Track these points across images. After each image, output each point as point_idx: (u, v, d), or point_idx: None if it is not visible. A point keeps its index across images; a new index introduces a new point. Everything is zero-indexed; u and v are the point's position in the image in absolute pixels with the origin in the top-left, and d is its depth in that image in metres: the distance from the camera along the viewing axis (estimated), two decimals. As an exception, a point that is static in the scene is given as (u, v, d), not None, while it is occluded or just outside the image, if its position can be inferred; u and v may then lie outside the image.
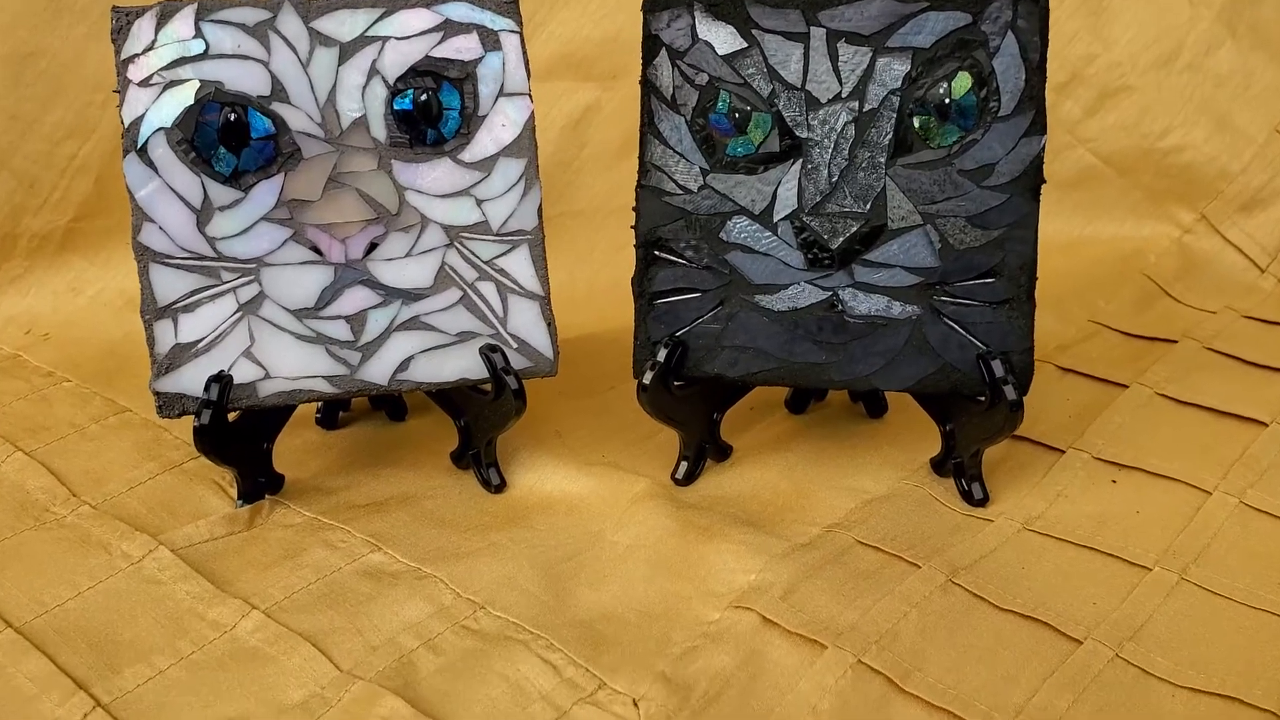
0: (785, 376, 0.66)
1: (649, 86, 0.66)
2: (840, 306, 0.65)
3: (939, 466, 0.69)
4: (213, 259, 0.64)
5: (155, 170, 0.63)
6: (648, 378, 0.65)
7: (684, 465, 0.69)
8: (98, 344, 0.87)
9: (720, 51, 0.64)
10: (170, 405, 0.64)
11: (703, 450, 0.70)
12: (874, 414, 0.76)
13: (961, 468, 0.67)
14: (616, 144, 0.96)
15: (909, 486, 0.67)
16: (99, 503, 0.67)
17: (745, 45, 0.64)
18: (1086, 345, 0.82)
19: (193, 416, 0.63)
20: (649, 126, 0.66)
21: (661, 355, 0.65)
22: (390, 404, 0.78)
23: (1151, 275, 0.91)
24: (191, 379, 0.64)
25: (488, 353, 0.66)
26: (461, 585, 0.60)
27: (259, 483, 0.68)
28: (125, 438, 0.74)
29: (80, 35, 0.90)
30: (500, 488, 0.69)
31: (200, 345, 0.64)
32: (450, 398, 0.70)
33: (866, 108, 0.63)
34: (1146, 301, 0.88)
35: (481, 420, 0.68)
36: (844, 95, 0.64)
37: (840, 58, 0.63)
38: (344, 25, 0.64)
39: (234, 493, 0.68)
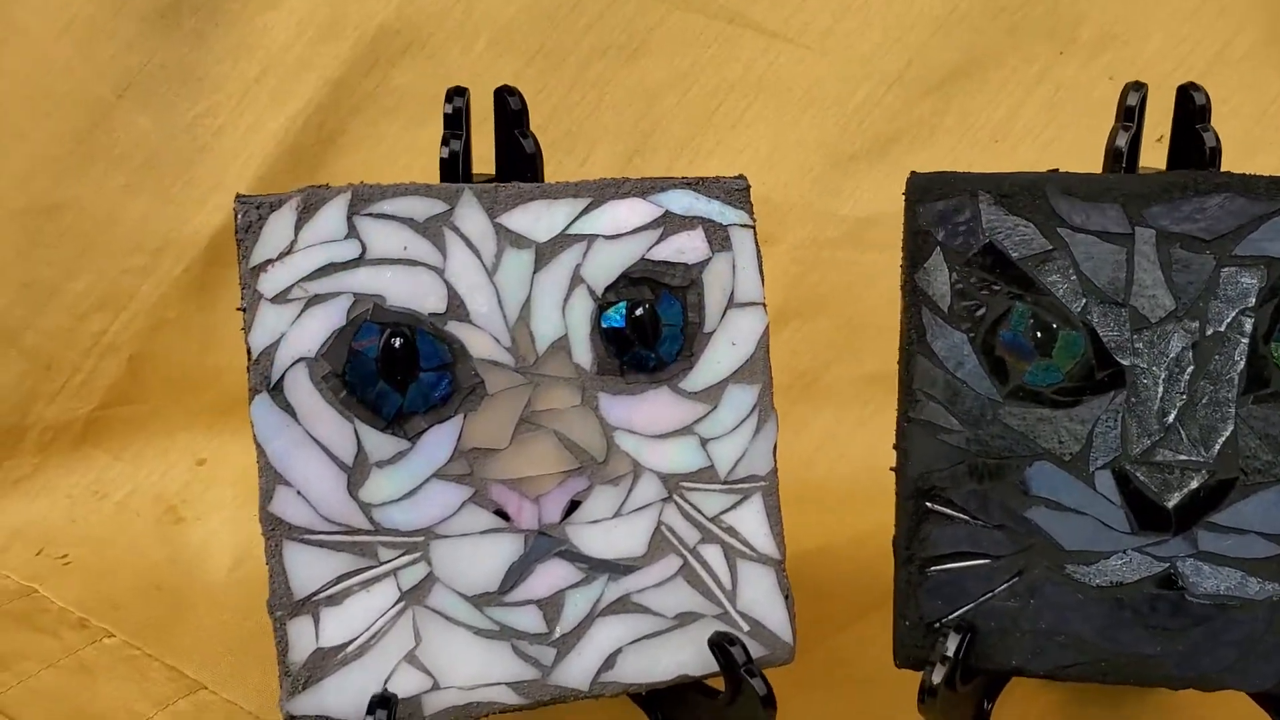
0: (1108, 672, 0.51)
1: (917, 294, 0.52)
2: (1180, 583, 0.50)
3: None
4: (368, 533, 0.47)
5: (294, 416, 0.46)
6: (938, 678, 0.50)
7: (943, 780, 0.54)
8: (136, 572, 0.70)
9: (1015, 255, 0.50)
10: (307, 733, 0.47)
11: (973, 752, 0.55)
12: (1146, 679, 0.62)
13: (1315, 780, 0.53)
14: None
15: (1249, 803, 0.53)
16: None
17: (1049, 248, 0.50)
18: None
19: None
20: (918, 344, 0.52)
21: (952, 647, 0.50)
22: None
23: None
24: (338, 696, 0.47)
25: (724, 644, 0.50)
26: None
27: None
28: (207, 735, 0.56)
29: (116, 187, 0.73)
30: (724, 817, 0.53)
31: (350, 649, 0.47)
32: (655, 700, 0.54)
33: (1209, 330, 0.50)
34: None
35: (700, 725, 0.52)
36: (1179, 314, 0.50)
37: (1174, 266, 0.50)
38: (539, 221, 0.49)
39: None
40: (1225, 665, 0.50)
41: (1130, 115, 0.53)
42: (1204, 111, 0.52)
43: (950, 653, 0.50)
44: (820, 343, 0.76)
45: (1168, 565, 0.50)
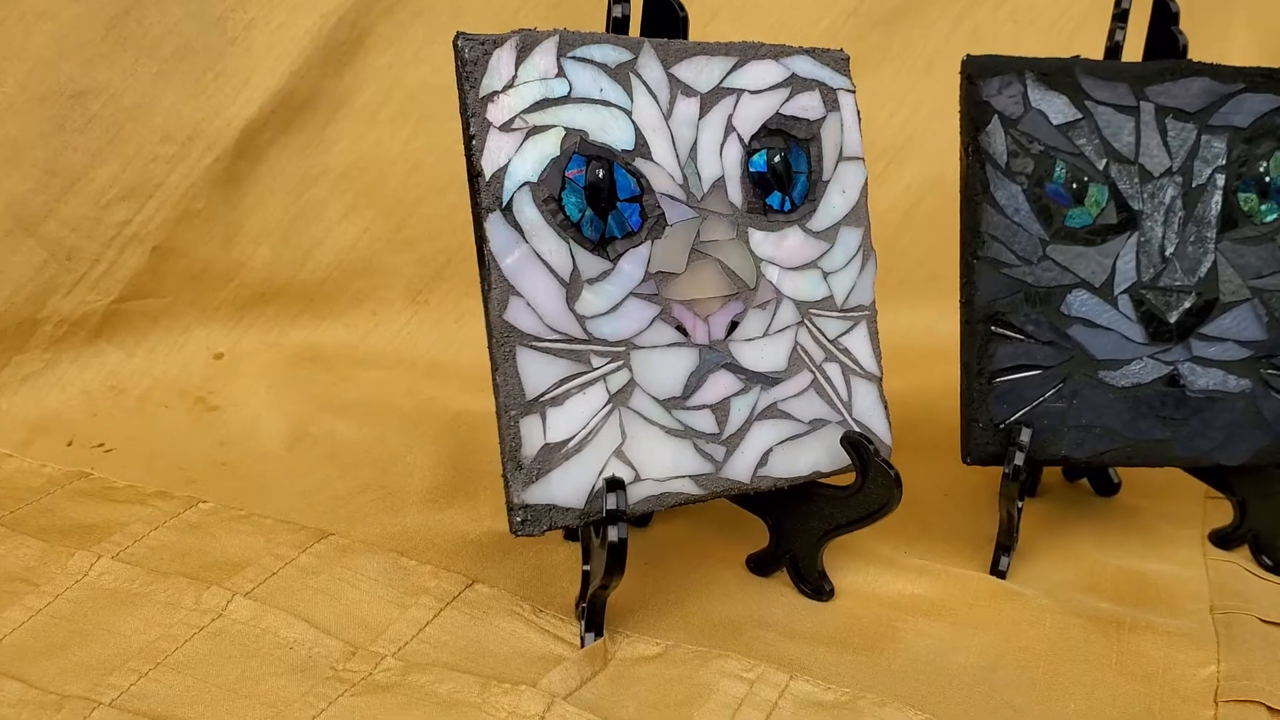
0: (1133, 455, 0.64)
1: (980, 153, 0.63)
2: (1181, 381, 0.64)
3: (1225, 540, 0.69)
4: (583, 341, 0.53)
5: (522, 234, 0.51)
6: (1020, 461, 0.61)
7: (1005, 558, 0.65)
8: (191, 454, 0.70)
9: (1054, 121, 0.63)
10: (537, 520, 0.52)
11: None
12: (1105, 492, 0.76)
13: (1257, 539, 0.68)
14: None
15: (1216, 560, 0.67)
16: (396, 651, 0.53)
17: (1079, 116, 0.63)
18: None
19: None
20: (982, 194, 0.63)
21: (1026, 438, 0.62)
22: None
23: None
24: (562, 486, 0.52)
25: (861, 439, 0.59)
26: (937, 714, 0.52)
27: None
28: (359, 570, 0.59)
29: (149, 74, 0.73)
30: (832, 594, 0.62)
31: (570, 444, 0.53)
32: (775, 496, 0.61)
33: (1194, 183, 0.64)
34: None
35: (819, 519, 0.61)
36: (1173, 170, 0.64)
37: (1169, 133, 0.64)
38: (701, 73, 0.56)
39: (542, 623, 0.56)
40: (1215, 445, 0.65)
41: (1123, 17, 0.67)
42: (1176, 16, 0.67)
43: (1025, 441, 0.62)
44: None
45: (1172, 368, 0.64)
